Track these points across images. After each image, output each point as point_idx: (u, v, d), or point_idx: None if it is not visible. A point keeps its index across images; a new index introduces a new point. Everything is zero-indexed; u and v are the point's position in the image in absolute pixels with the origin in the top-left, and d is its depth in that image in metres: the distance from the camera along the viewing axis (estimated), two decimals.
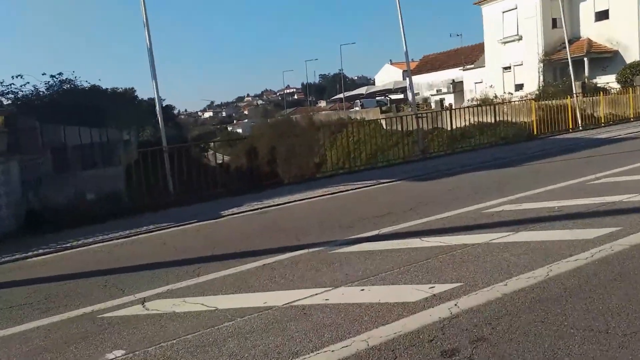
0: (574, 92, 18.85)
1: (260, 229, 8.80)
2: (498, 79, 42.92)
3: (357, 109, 54.57)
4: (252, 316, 4.73)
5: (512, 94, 40.82)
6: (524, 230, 6.59)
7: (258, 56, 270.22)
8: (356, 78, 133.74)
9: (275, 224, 9.06)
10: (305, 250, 6.82)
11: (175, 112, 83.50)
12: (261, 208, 10.62)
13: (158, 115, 12.79)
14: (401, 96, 59.80)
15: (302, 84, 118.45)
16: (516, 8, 39.07)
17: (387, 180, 12.41)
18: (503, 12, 40.23)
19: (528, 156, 14.01)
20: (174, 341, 4.40)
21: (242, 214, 10.26)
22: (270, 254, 6.84)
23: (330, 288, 5.27)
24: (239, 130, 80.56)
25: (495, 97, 40.04)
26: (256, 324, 4.54)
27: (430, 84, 53.59)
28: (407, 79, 15.70)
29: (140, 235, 9.22)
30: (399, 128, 18.27)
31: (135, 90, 51.30)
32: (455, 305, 4.48)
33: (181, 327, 4.66)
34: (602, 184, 9.13)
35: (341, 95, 70.39)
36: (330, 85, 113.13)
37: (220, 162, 22.04)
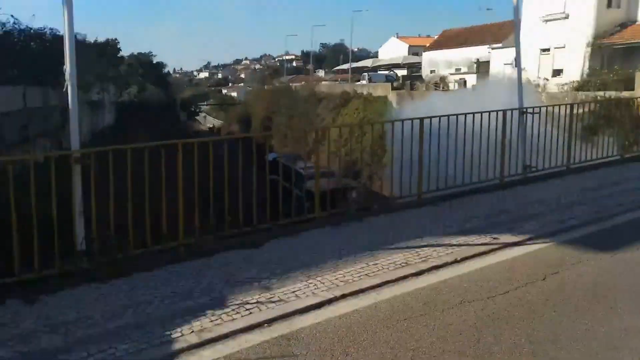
0: None
1: None
2: (533, 61, 36.85)
3: (364, 82, 48.04)
4: None
5: (548, 79, 35.23)
6: None
7: (258, 18, 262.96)
8: (356, 50, 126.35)
9: None
10: None
11: (169, 70, 77.08)
12: (268, 321, 4.42)
13: (66, 63, 5.41)
14: (405, 71, 53.60)
15: (302, 51, 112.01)
16: None
17: (516, 240, 6.20)
18: None
19: None
20: None
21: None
22: None
23: None
24: (234, 94, 75.11)
25: (529, 82, 34.41)
26: None
27: (449, 62, 47.19)
28: (516, 50, 9.46)
29: None
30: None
31: (117, 42, 44.07)
32: None
33: None
34: None
35: (345, 66, 63.82)
36: (331, 55, 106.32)
37: (210, 126, 16.23)
